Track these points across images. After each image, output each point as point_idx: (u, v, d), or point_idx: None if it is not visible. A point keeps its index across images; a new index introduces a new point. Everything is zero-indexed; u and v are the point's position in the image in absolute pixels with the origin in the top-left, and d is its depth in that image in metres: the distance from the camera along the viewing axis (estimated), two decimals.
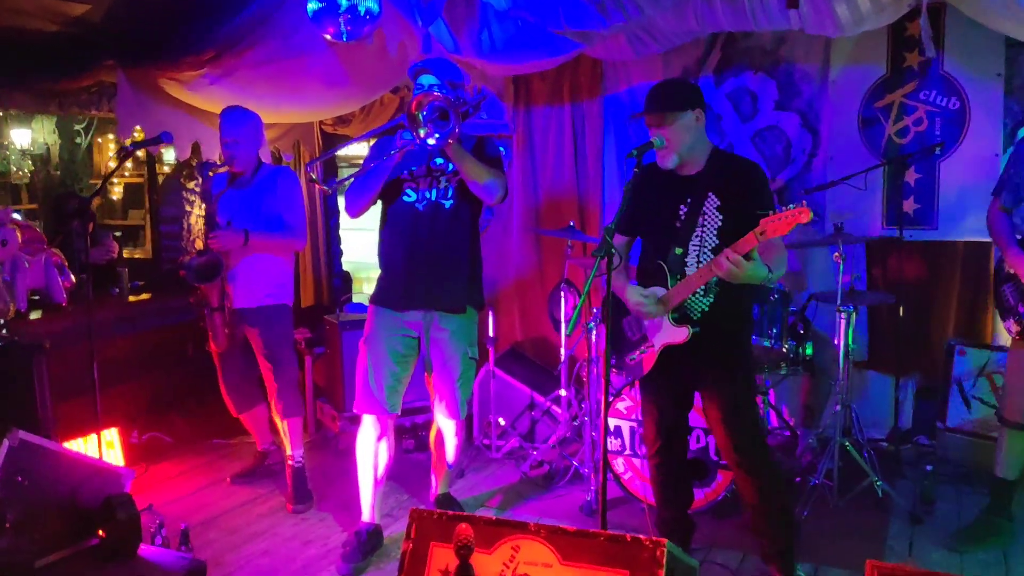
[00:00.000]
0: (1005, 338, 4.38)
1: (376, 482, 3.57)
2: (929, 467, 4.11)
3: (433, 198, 3.46)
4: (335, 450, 4.89)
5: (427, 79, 3.43)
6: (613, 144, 5.48)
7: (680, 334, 2.93)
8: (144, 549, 2.59)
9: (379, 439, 3.53)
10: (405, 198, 3.48)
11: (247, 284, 4.06)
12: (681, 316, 2.96)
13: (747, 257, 2.67)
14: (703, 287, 2.90)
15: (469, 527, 1.92)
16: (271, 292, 4.11)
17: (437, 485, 3.89)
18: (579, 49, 4.63)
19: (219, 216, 4.06)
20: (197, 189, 7.08)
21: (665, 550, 2.07)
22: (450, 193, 3.46)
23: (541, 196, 5.69)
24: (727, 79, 5.16)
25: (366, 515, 3.59)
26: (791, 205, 2.56)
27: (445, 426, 3.66)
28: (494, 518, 2.28)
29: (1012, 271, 3.36)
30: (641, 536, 2.10)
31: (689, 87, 3.09)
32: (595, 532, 2.16)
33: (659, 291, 2.98)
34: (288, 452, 4.16)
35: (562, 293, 4.71)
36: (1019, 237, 3.39)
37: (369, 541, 3.54)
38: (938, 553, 3.49)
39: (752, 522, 3.12)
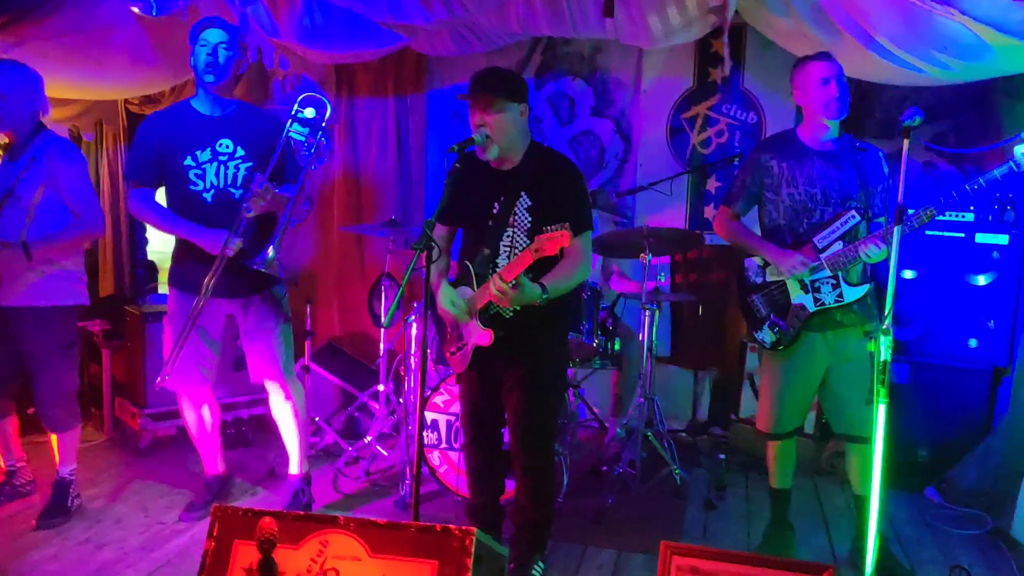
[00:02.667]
0: None
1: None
2: (722, 456, 4.41)
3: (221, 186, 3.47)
4: (135, 449, 4.60)
5: (214, 34, 3.37)
6: (436, 139, 5.51)
7: (485, 337, 2.92)
8: None
9: (199, 405, 3.74)
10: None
11: (14, 276, 3.48)
12: (491, 317, 2.94)
13: (515, 285, 2.67)
14: None
15: (272, 521, 1.87)
16: (56, 290, 3.56)
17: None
18: (403, 42, 4.62)
19: None
20: None
21: (474, 539, 2.10)
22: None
23: (363, 188, 5.62)
24: (547, 83, 5.32)
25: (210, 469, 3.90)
26: (565, 224, 2.56)
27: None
28: (302, 513, 2.23)
29: (760, 279, 3.36)
30: (451, 526, 2.13)
31: (520, 79, 3.03)
32: (405, 524, 2.16)
33: (467, 291, 2.98)
34: (57, 467, 3.71)
35: (383, 287, 4.67)
36: None
37: (213, 488, 3.85)
38: (729, 537, 3.74)
39: (514, 516, 3.21)
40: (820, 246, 3.19)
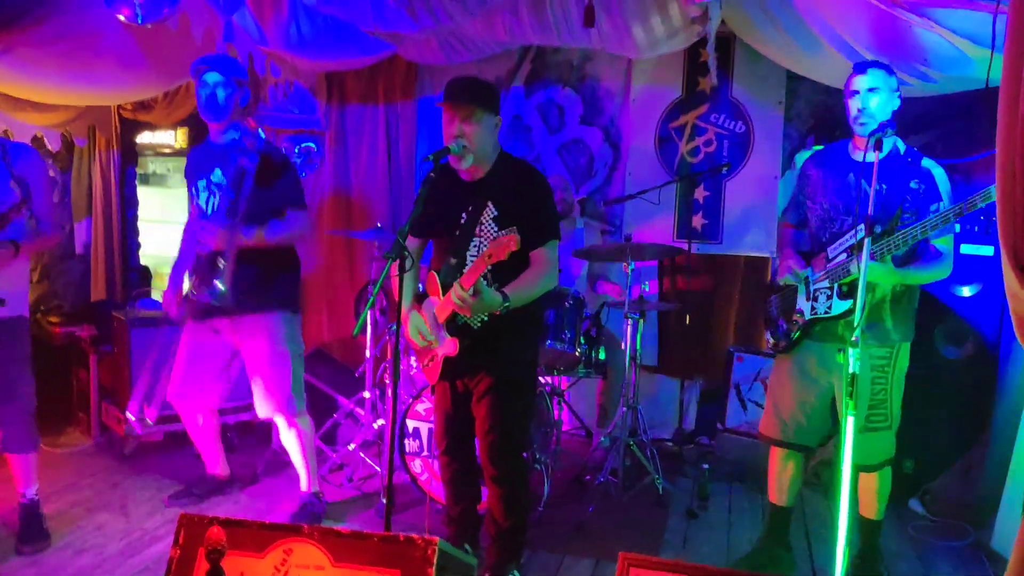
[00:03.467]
0: None
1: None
2: (706, 465, 4.40)
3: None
4: (120, 455, 4.61)
5: (212, 76, 3.54)
6: (426, 146, 5.52)
7: (451, 346, 2.92)
8: None
9: (195, 414, 3.89)
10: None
11: None
12: (459, 327, 2.94)
13: (474, 292, 2.67)
14: None
15: (220, 530, 1.88)
16: (19, 301, 3.42)
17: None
18: (391, 50, 4.63)
19: None
20: None
21: (437, 549, 2.10)
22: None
23: (353, 196, 5.63)
24: (537, 91, 5.33)
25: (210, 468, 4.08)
26: (513, 228, 2.62)
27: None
28: (266, 522, 2.24)
29: (781, 282, 3.44)
30: (414, 535, 2.13)
31: (495, 89, 3.05)
32: (369, 533, 2.16)
33: (435, 302, 2.99)
34: (19, 490, 3.55)
35: (368, 294, 4.68)
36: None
37: (205, 485, 4.04)
38: (708, 546, 3.74)
39: (487, 525, 3.21)
40: (830, 256, 3.16)
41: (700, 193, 5.10)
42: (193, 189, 3.70)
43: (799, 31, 3.76)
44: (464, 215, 2.97)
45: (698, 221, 5.10)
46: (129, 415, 3.59)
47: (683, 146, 5.12)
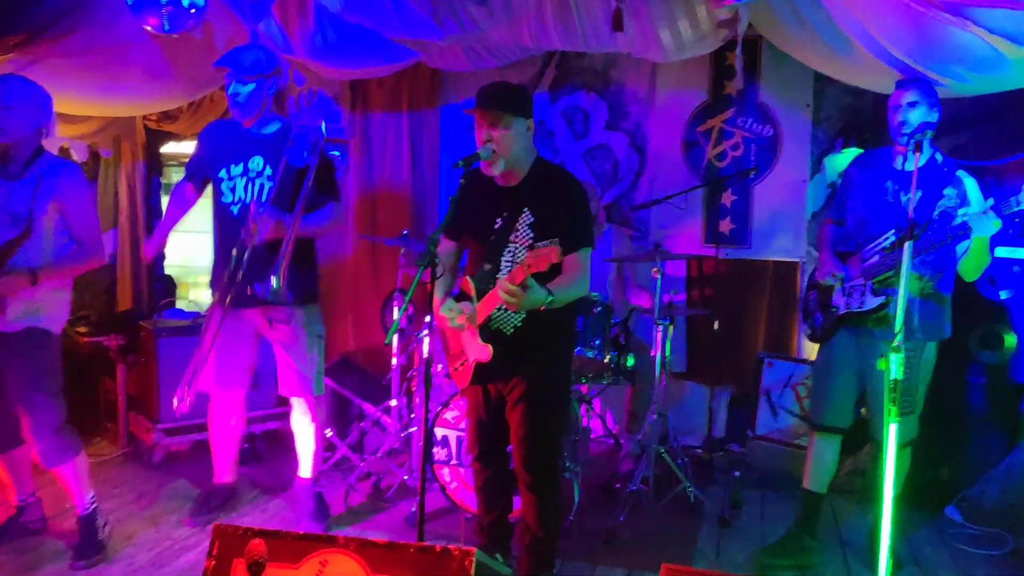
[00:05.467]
0: (809, 351, 4.73)
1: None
2: (737, 473, 4.34)
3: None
4: (148, 464, 4.62)
5: (229, 76, 3.56)
6: (450, 154, 5.51)
7: (484, 352, 2.89)
8: None
9: (227, 409, 3.89)
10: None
11: (12, 302, 3.27)
12: (492, 333, 2.92)
13: (523, 286, 2.64)
14: None
15: (262, 542, 1.86)
16: (43, 315, 3.35)
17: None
18: (416, 57, 4.62)
19: None
20: None
21: (474, 559, 2.08)
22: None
23: (377, 203, 5.63)
24: (561, 97, 5.31)
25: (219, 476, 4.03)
26: (555, 240, 2.56)
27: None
28: (302, 532, 2.22)
29: (818, 280, 3.60)
30: (450, 546, 2.10)
31: (526, 93, 3.04)
32: (404, 544, 2.14)
33: (468, 307, 2.96)
34: (72, 502, 3.53)
35: (395, 302, 4.67)
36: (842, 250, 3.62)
37: (218, 496, 3.97)
38: (742, 555, 3.68)
39: (520, 534, 3.18)
40: (865, 258, 3.36)
41: (728, 198, 5.05)
42: (222, 173, 3.61)
43: (829, 32, 3.71)
44: (499, 221, 2.95)
45: (726, 226, 5.05)
46: (175, 401, 3.58)
47: (710, 150, 5.07)
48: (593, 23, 4.00)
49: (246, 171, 3.59)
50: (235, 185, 3.60)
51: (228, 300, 3.53)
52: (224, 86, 3.63)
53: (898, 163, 3.39)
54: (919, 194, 3.14)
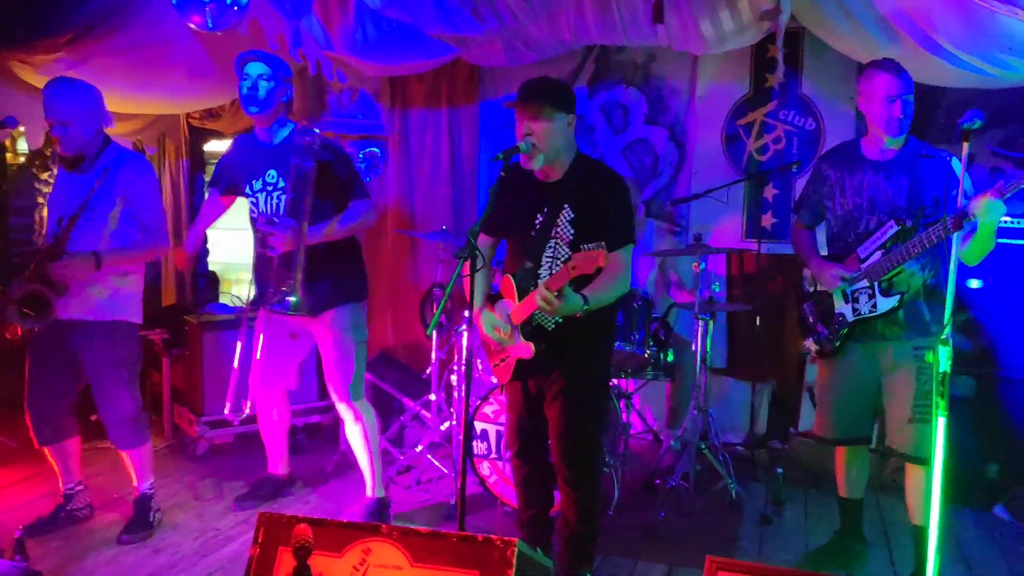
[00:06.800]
0: None
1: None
2: (779, 470, 4.29)
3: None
4: (192, 456, 4.69)
5: (254, 67, 3.53)
6: (489, 150, 5.50)
7: (526, 350, 2.88)
8: None
9: (270, 406, 3.96)
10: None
11: (79, 290, 3.42)
12: (533, 329, 2.91)
13: (560, 295, 2.62)
14: None
15: (308, 528, 1.88)
16: (109, 304, 3.50)
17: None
18: (455, 53, 4.63)
19: (49, 215, 3.47)
20: (51, 180, 6.69)
21: (516, 550, 2.08)
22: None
23: (416, 199, 5.66)
24: (600, 91, 5.29)
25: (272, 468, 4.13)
26: (601, 243, 2.53)
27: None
28: (345, 521, 2.23)
29: (812, 288, 3.43)
30: (492, 536, 2.10)
31: (568, 89, 3.01)
32: (447, 533, 2.15)
33: (508, 305, 2.95)
34: (133, 483, 3.73)
35: (434, 297, 4.69)
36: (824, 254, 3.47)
37: (268, 485, 4.08)
38: (785, 552, 3.64)
39: (560, 529, 3.17)
40: (862, 256, 3.18)
41: (769, 191, 4.99)
42: (248, 189, 3.66)
43: (875, 23, 3.65)
44: (540, 217, 2.93)
45: (767, 220, 4.99)
46: (226, 410, 3.70)
47: (751, 144, 5.02)
48: (633, 15, 3.99)
49: (265, 185, 3.61)
50: (258, 200, 3.63)
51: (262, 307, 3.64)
52: (239, 78, 3.58)
53: (873, 152, 3.21)
54: (902, 182, 3.09)
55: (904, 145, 3.17)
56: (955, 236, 2.49)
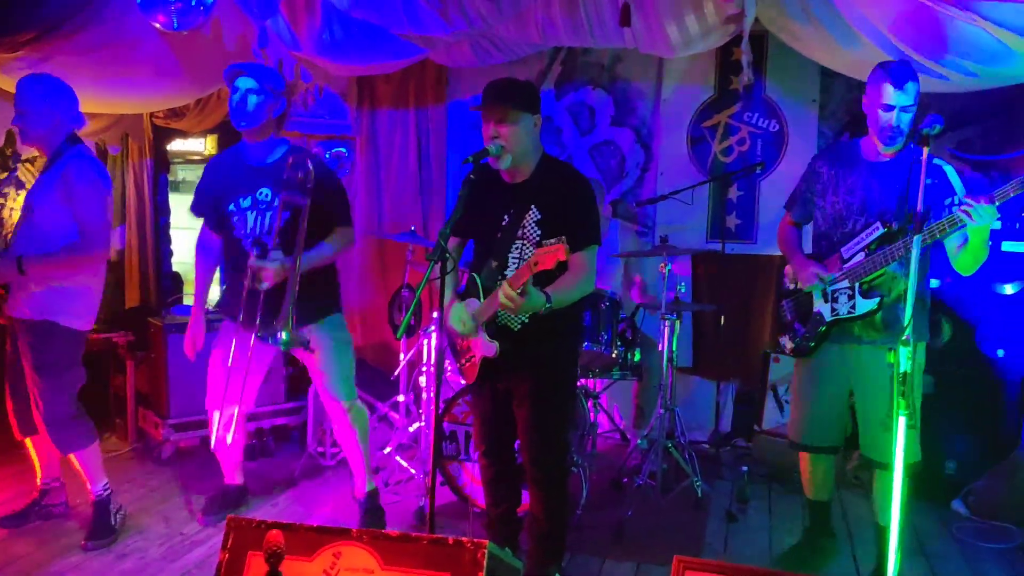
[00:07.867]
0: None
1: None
2: (744, 468, 4.35)
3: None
4: (157, 459, 4.64)
5: (244, 81, 3.44)
6: (457, 150, 5.52)
7: (490, 349, 2.89)
8: None
9: (224, 424, 3.74)
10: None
11: (22, 288, 3.40)
12: (498, 329, 2.92)
13: (522, 292, 2.63)
14: None
15: (279, 534, 1.88)
16: (42, 304, 3.40)
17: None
18: (423, 54, 4.63)
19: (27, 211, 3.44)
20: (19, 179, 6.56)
21: (486, 551, 2.09)
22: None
23: (384, 200, 5.65)
24: (567, 93, 5.32)
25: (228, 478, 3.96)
26: (562, 238, 2.50)
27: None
28: (315, 525, 2.23)
29: (793, 286, 3.43)
30: (463, 538, 2.12)
31: (534, 89, 3.01)
32: (417, 536, 2.16)
33: (474, 303, 2.95)
34: (87, 487, 3.62)
35: (403, 298, 4.69)
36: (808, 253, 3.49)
37: (231, 495, 3.91)
38: (750, 548, 3.69)
39: (529, 528, 3.19)
40: (845, 256, 3.17)
41: (734, 193, 5.06)
42: (231, 207, 3.52)
43: (836, 26, 3.71)
44: (506, 217, 2.95)
45: (732, 221, 5.05)
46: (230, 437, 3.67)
47: (716, 146, 5.08)
48: (600, 18, 4.01)
49: (255, 203, 3.51)
50: (245, 218, 3.51)
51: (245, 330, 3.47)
52: (229, 91, 3.49)
53: (871, 153, 3.17)
54: (895, 187, 3.08)
55: (902, 150, 3.12)
56: (915, 239, 2.52)
